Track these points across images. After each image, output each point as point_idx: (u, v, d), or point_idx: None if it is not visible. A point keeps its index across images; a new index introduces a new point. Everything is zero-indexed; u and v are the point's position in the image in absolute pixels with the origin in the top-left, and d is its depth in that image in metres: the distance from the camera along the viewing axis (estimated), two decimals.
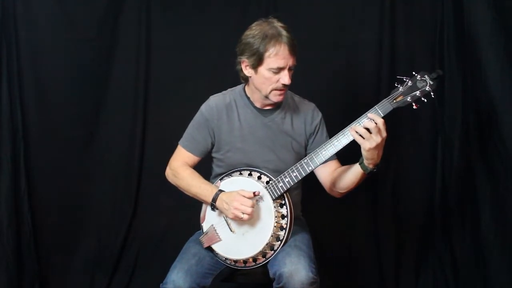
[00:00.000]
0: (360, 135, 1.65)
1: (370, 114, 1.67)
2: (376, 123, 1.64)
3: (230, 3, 2.58)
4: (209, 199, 1.83)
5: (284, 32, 1.75)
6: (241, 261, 1.82)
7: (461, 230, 2.43)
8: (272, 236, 1.77)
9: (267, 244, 1.77)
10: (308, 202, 2.11)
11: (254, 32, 1.78)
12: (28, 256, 2.51)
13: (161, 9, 2.61)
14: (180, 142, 1.97)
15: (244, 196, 1.75)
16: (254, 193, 1.77)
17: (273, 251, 1.78)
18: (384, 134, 1.66)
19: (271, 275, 1.75)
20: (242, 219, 1.75)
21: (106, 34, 2.59)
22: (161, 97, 2.66)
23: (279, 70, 1.77)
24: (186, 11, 2.61)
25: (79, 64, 2.56)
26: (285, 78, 1.77)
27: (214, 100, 1.94)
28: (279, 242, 1.78)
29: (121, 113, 2.65)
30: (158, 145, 2.65)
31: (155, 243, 2.69)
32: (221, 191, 1.83)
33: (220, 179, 1.90)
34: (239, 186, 1.81)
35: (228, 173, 1.90)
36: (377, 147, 1.65)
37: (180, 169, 1.93)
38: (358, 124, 1.68)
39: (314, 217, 2.21)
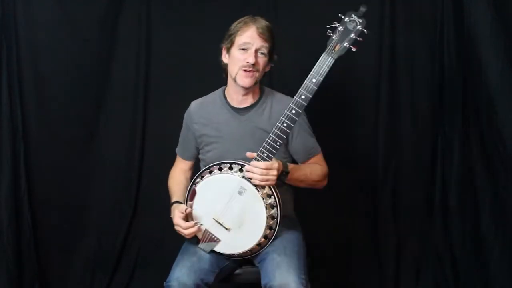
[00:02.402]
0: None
1: (248, 167, 1.76)
2: (261, 168, 1.73)
3: (230, 3, 2.58)
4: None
5: (258, 19, 1.89)
6: (248, 251, 1.84)
7: (461, 230, 2.43)
8: (267, 217, 1.78)
9: (266, 226, 1.79)
10: (307, 202, 2.12)
11: (235, 23, 1.92)
12: (28, 256, 2.50)
13: (161, 9, 2.61)
14: (176, 149, 2.11)
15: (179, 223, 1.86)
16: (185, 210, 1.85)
17: (272, 230, 1.81)
18: (273, 172, 1.75)
19: (262, 285, 1.77)
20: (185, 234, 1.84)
21: (106, 34, 2.58)
22: (161, 97, 2.66)
23: (245, 47, 1.85)
24: (186, 11, 2.61)
25: (79, 64, 2.56)
26: (249, 57, 1.84)
27: (193, 105, 2.05)
28: (275, 219, 1.80)
29: (121, 113, 2.65)
30: (158, 145, 2.65)
31: (155, 243, 2.69)
32: (174, 203, 1.99)
33: (201, 178, 1.88)
34: (215, 189, 1.83)
35: (208, 167, 1.88)
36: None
37: (170, 175, 2.11)
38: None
39: (313, 216, 2.22)
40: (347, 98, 2.57)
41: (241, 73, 1.87)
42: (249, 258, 1.90)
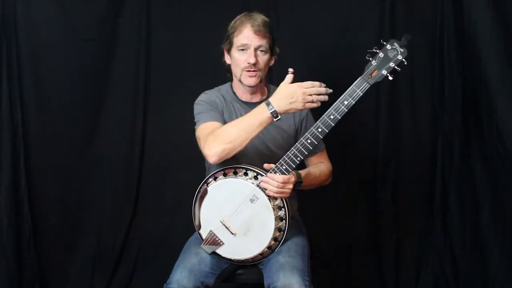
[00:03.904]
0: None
1: (265, 178, 1.73)
2: (276, 181, 1.71)
3: (230, 2, 2.58)
4: (267, 114, 1.69)
5: (253, 16, 1.86)
6: (250, 258, 1.83)
7: (461, 230, 2.43)
8: (275, 229, 1.77)
9: (272, 238, 1.78)
10: (307, 202, 2.11)
11: (231, 22, 1.91)
12: (28, 256, 2.50)
13: (161, 9, 2.61)
14: (201, 121, 1.87)
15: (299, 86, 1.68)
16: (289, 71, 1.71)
17: (278, 242, 1.80)
18: (289, 186, 1.73)
19: (265, 286, 1.76)
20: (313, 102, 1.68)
21: (106, 34, 2.58)
22: (161, 97, 2.66)
23: (244, 48, 1.85)
24: (186, 11, 2.60)
25: (79, 64, 2.56)
26: (249, 57, 1.84)
27: (208, 91, 2.00)
28: (281, 232, 1.79)
29: (121, 113, 2.65)
30: (158, 145, 2.65)
31: (155, 243, 2.69)
32: (268, 100, 1.70)
33: (215, 179, 1.83)
34: (228, 192, 1.80)
35: (223, 169, 1.82)
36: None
37: (217, 130, 1.77)
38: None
39: (313, 216, 2.21)
40: None
41: (245, 74, 1.88)
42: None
